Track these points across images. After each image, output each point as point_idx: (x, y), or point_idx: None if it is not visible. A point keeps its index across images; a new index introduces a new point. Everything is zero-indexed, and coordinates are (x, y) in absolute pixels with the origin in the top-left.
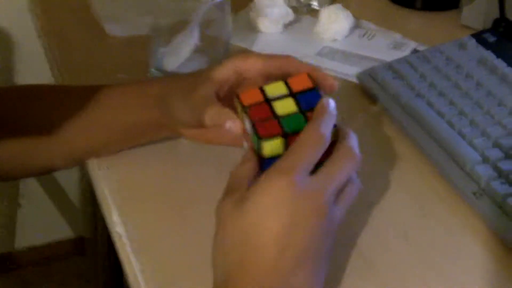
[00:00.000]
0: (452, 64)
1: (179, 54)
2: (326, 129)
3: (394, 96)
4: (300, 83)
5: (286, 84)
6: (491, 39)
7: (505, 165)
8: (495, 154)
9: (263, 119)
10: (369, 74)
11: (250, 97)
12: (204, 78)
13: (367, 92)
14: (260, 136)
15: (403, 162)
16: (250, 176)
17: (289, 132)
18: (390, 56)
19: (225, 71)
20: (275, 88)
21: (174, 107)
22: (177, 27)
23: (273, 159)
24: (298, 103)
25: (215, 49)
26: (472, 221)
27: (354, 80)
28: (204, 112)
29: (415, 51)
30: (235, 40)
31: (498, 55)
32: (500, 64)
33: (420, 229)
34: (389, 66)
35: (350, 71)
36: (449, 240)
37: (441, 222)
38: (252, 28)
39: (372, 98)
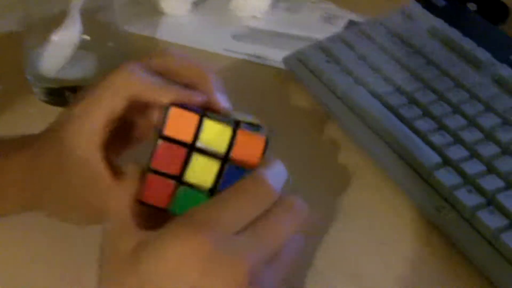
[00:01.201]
0: (396, 39)
1: (59, 54)
2: (277, 183)
3: (329, 85)
4: (247, 152)
5: (232, 138)
6: (441, 3)
7: (471, 168)
8: (458, 153)
9: (164, 173)
10: (298, 58)
11: (180, 124)
12: (79, 136)
13: (297, 80)
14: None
15: (348, 172)
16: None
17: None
18: (322, 32)
19: (110, 109)
20: (216, 135)
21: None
22: (55, 20)
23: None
24: (219, 177)
25: (106, 43)
26: (439, 244)
27: (282, 66)
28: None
29: (351, 24)
30: (136, 27)
31: (451, 23)
32: (454, 34)
33: (375, 264)
34: (320, 46)
35: (276, 56)
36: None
37: (399, 252)
38: (155, 11)
39: (304, 89)
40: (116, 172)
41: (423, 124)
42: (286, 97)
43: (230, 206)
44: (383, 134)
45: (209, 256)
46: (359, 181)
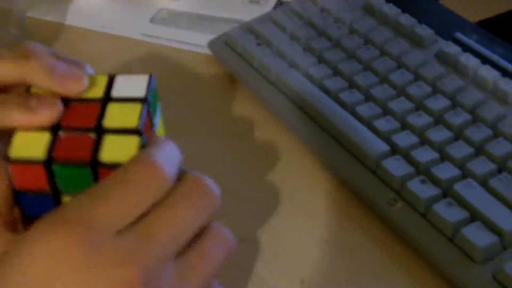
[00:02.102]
0: (330, 18)
1: None
2: (165, 161)
3: (261, 70)
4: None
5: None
6: None
7: (422, 155)
8: (406, 139)
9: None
10: (225, 42)
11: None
12: None
13: (225, 66)
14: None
15: (286, 166)
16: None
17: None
18: (249, 13)
19: None
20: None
21: None
22: None
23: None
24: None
25: (9, 29)
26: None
27: (207, 51)
28: None
29: (279, 3)
30: (42, 12)
31: None
32: (391, 10)
33: (318, 273)
34: (249, 28)
35: (200, 40)
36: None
37: (346, 253)
38: None
39: (231, 75)
40: None
41: (366, 110)
42: (213, 85)
43: (111, 198)
44: (322, 122)
45: (86, 259)
46: (300, 175)
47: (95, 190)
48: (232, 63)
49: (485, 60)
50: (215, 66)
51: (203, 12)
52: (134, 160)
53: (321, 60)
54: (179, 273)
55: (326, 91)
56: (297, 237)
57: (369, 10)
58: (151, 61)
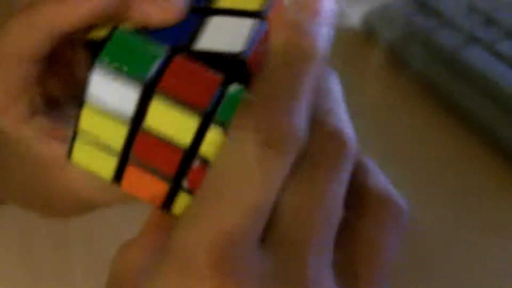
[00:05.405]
0: None
1: None
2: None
3: (433, 49)
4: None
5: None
6: None
7: None
8: None
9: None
10: (383, 15)
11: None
12: None
13: (382, 46)
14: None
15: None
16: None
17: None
18: None
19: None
20: None
21: None
22: None
23: None
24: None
25: None
26: None
27: (357, 26)
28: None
29: None
30: None
31: None
32: None
33: None
34: None
35: (349, 12)
36: None
37: None
38: None
39: (392, 56)
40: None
41: None
42: (365, 67)
43: (238, 191)
44: None
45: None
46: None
47: (208, 187)
48: (392, 40)
49: None
50: (369, 46)
51: None
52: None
53: (508, 35)
54: None
55: None
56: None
57: None
58: None
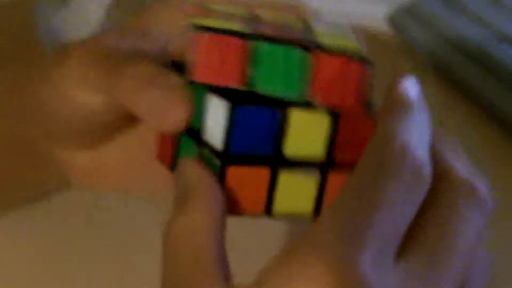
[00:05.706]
0: None
1: (85, 16)
2: (421, 145)
3: (465, 49)
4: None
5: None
6: None
7: None
8: None
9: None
10: (410, 13)
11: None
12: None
13: (410, 46)
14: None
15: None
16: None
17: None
18: None
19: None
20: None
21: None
22: None
23: None
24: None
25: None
26: None
27: (383, 25)
28: (122, 81)
29: None
30: None
31: None
32: None
33: None
34: None
35: (374, 11)
36: None
37: None
38: None
39: (420, 57)
40: None
41: None
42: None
43: (377, 206)
44: None
45: None
46: None
47: (345, 200)
48: (419, 40)
49: None
50: (396, 45)
51: None
52: (380, 142)
53: None
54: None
55: None
56: None
57: None
58: None
